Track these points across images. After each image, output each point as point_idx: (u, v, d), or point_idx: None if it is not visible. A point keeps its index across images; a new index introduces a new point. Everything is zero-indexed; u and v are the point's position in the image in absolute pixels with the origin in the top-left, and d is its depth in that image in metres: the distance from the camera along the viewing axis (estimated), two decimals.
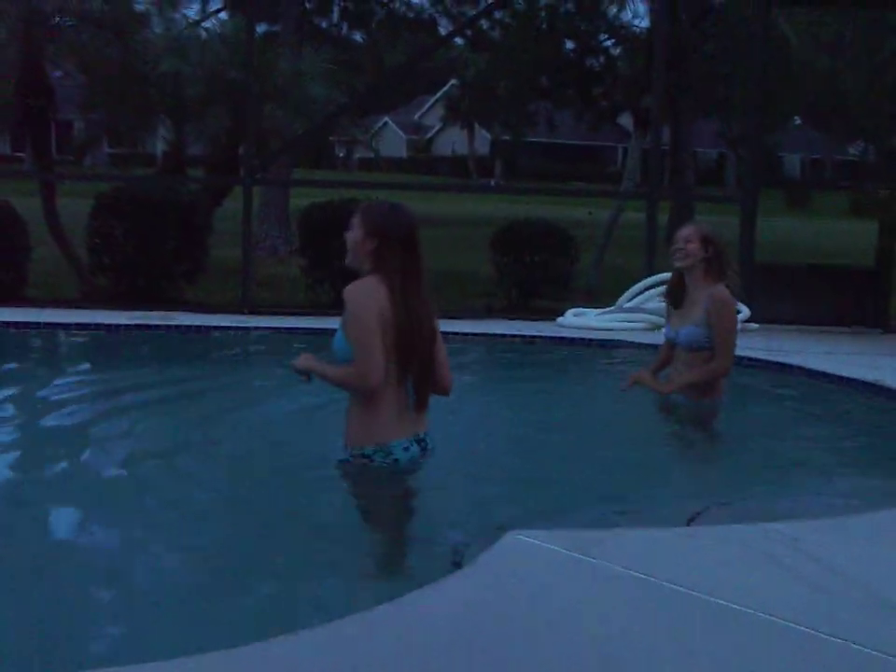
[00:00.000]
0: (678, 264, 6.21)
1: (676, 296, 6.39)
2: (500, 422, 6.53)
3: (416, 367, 4.51)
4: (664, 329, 6.52)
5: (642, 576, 3.39)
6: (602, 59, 27.55)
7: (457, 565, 3.63)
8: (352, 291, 4.45)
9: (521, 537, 3.70)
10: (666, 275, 10.10)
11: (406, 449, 4.56)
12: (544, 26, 25.34)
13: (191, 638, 3.22)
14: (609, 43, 27.34)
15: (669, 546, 3.82)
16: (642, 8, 28.19)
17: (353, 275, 4.62)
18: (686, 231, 6.23)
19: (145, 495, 4.84)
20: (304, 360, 4.66)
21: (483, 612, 3.17)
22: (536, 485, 5.08)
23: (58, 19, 13.34)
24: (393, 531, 4.44)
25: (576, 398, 7.31)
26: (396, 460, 4.54)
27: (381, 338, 4.38)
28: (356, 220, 4.54)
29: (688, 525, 4.24)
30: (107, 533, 4.37)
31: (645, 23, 27.17)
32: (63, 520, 4.53)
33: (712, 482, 5.38)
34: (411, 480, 4.67)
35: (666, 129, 23.83)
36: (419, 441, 4.62)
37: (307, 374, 4.68)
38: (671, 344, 6.39)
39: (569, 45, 27.25)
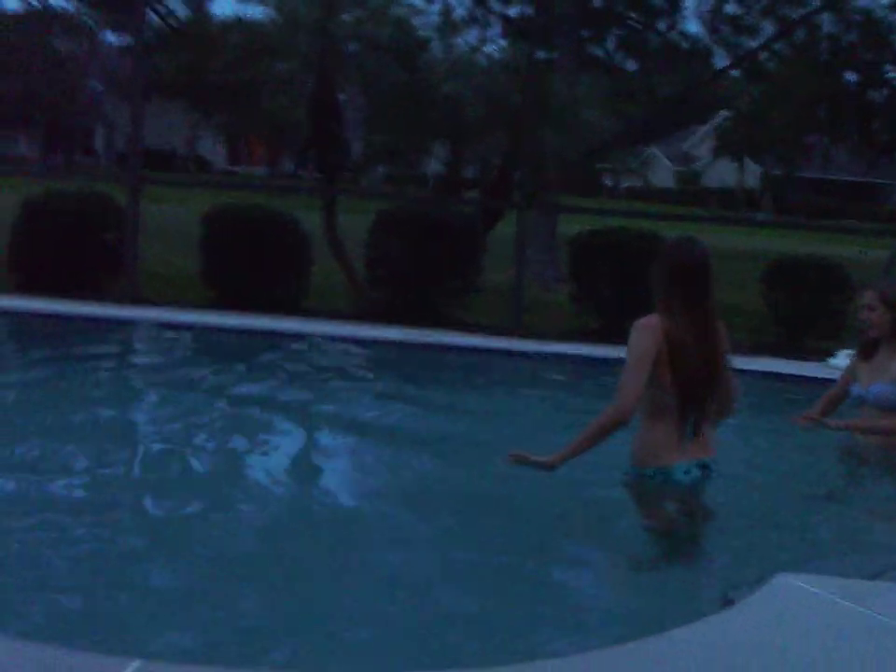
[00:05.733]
0: (870, 335, 5.97)
1: (868, 348, 6.08)
2: (765, 460, 6.37)
3: (694, 396, 4.58)
4: (852, 388, 6.10)
5: None
6: (885, 92, 26.59)
7: (728, 602, 3.61)
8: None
9: (791, 580, 3.66)
10: None
11: (686, 472, 4.62)
12: (824, 57, 24.66)
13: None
14: (894, 75, 26.36)
15: None
16: None
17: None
18: (867, 298, 5.99)
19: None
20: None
21: (748, 653, 3.15)
22: (806, 526, 4.99)
23: (349, 46, 13.97)
24: (667, 561, 4.49)
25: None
26: (676, 482, 4.60)
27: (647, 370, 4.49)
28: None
29: None
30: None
31: None
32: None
33: None
34: (689, 511, 4.73)
35: None
36: (702, 466, 4.66)
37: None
38: (860, 402, 6.04)
39: (850, 77, 26.46)
